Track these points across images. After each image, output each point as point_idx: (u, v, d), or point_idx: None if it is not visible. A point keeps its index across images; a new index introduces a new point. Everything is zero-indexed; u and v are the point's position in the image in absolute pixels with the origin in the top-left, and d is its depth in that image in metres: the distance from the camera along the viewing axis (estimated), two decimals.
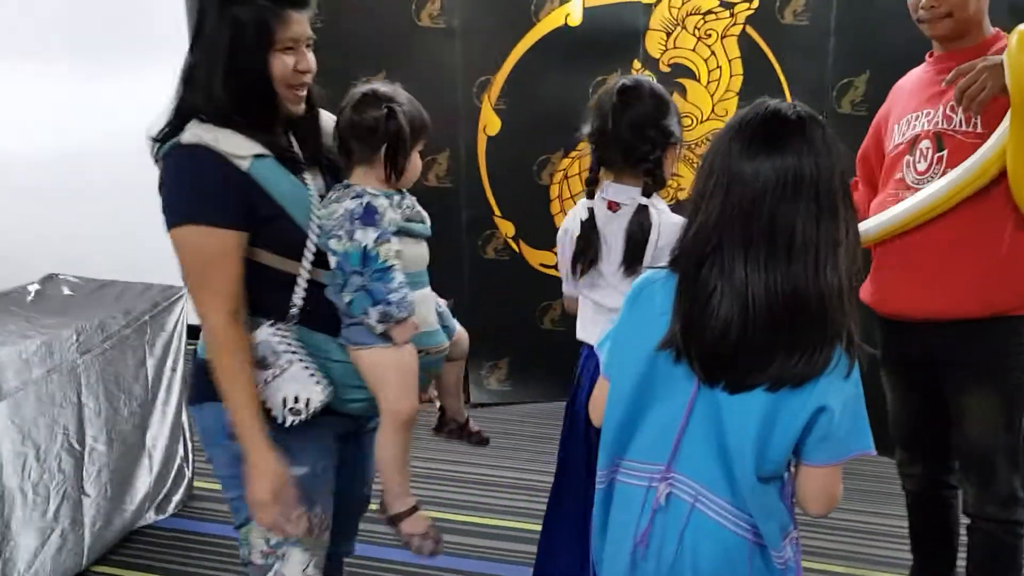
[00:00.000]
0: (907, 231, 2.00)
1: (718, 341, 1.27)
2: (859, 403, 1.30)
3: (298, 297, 1.56)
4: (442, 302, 1.78)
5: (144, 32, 4.37)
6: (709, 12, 3.52)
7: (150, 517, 2.87)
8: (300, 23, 1.54)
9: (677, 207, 1.94)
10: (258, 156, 1.52)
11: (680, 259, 1.34)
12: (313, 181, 1.61)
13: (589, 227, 1.91)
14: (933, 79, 2.01)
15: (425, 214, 1.69)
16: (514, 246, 3.93)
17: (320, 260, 1.57)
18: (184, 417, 3.00)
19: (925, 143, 1.99)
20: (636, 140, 1.86)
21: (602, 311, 1.93)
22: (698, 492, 1.32)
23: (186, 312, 2.98)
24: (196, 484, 3.09)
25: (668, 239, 1.72)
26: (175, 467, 2.98)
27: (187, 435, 3.04)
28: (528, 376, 4.03)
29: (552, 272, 3.89)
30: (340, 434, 1.71)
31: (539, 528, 2.16)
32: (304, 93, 1.58)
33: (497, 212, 3.92)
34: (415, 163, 1.65)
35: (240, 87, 1.52)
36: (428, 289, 1.70)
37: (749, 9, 3.47)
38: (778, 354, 1.25)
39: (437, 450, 3.07)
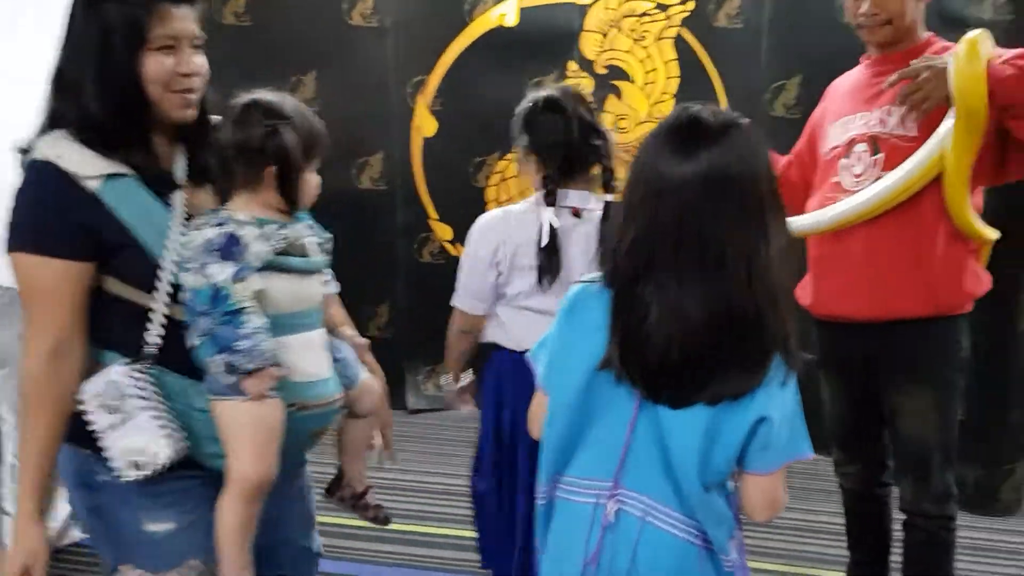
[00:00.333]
0: (843, 233, 2.01)
1: (658, 360, 1.24)
2: (797, 409, 1.29)
3: (154, 335, 1.38)
4: (347, 347, 1.59)
5: None
6: (644, 14, 3.53)
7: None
8: (182, 20, 1.38)
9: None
10: (112, 176, 1.35)
11: (613, 276, 1.30)
12: (191, 201, 1.43)
13: (554, 237, 1.91)
14: (869, 82, 2.03)
15: (316, 243, 1.49)
16: (451, 249, 3.89)
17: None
18: None
19: (861, 146, 2.01)
20: (587, 144, 1.93)
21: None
22: (648, 506, 1.30)
23: None
24: None
25: None
26: None
27: None
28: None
29: None
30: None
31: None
32: (192, 97, 1.41)
33: (433, 215, 3.87)
34: (309, 183, 1.46)
35: (110, 92, 1.36)
36: (316, 332, 1.49)
37: (684, 12, 3.50)
38: (718, 369, 1.24)
39: None
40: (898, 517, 2.21)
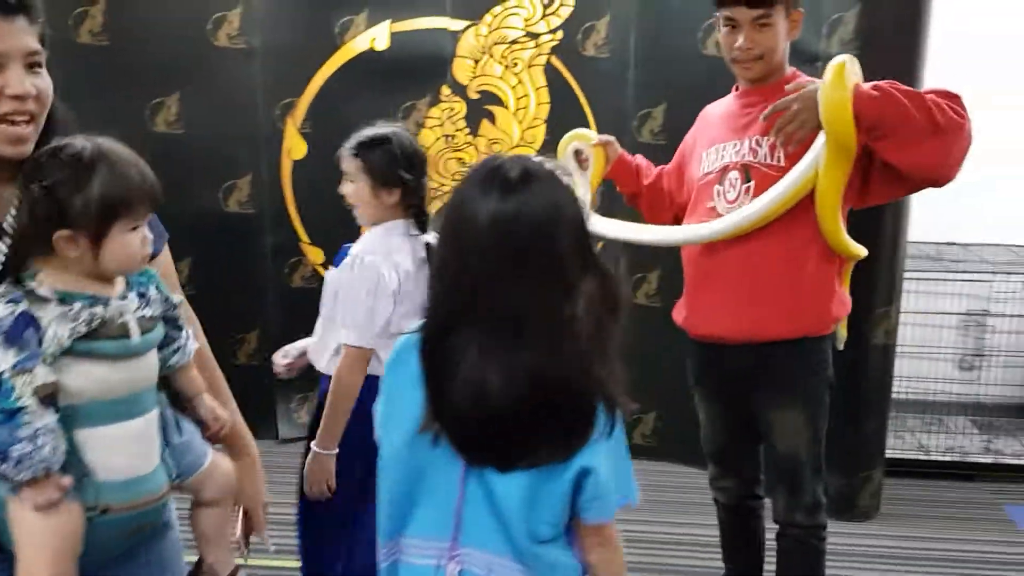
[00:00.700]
0: (717, 255, 2.09)
1: (473, 427, 1.20)
2: (623, 456, 1.26)
3: None
4: (191, 426, 1.37)
5: None
6: (515, 42, 3.58)
7: None
8: (10, 35, 1.17)
9: None
10: None
11: (424, 335, 1.25)
12: None
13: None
14: (739, 112, 2.13)
15: (149, 316, 1.27)
16: (323, 273, 3.81)
17: None
18: None
19: (734, 174, 2.09)
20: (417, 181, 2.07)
21: None
22: (490, 561, 1.26)
23: None
24: None
25: None
26: None
27: None
28: None
29: None
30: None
31: None
32: (22, 130, 1.19)
33: (304, 238, 3.80)
34: (126, 246, 1.22)
35: None
36: (139, 420, 1.25)
37: (553, 40, 3.57)
38: (531, 440, 1.20)
39: None
40: (770, 527, 2.31)
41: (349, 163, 2.08)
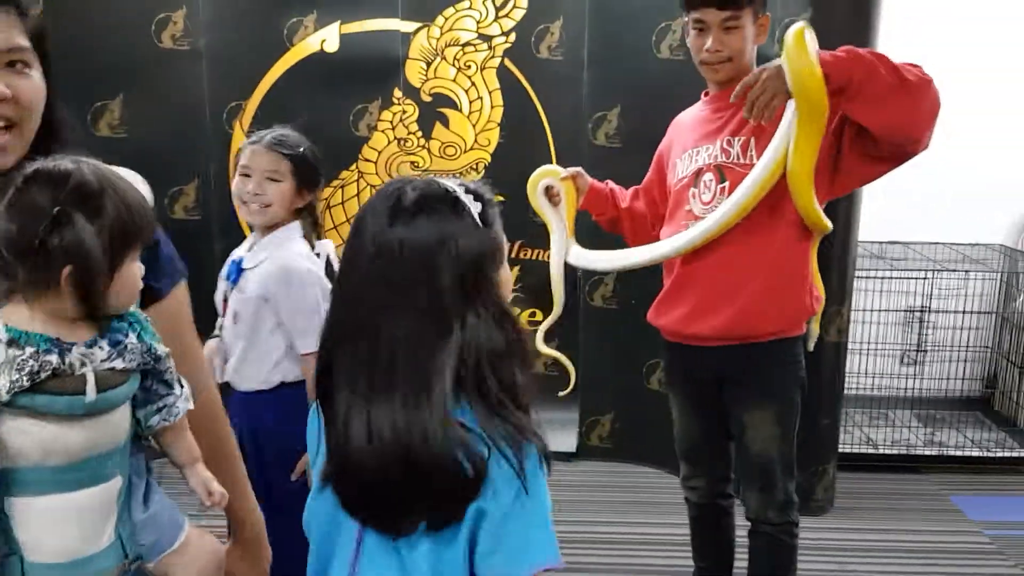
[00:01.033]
0: (694, 259, 2.11)
1: (361, 484, 1.06)
2: (536, 507, 1.05)
3: None
4: (163, 499, 1.18)
5: None
6: (468, 44, 3.56)
7: None
8: None
9: None
10: None
11: (317, 368, 1.13)
12: None
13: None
14: (710, 117, 2.14)
15: (121, 368, 1.08)
16: None
17: None
18: None
19: (708, 175, 2.11)
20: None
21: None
22: None
23: None
24: None
25: None
26: None
27: None
28: None
29: None
30: None
31: None
32: (1, 135, 1.08)
33: None
34: (127, 280, 1.08)
35: None
36: (87, 492, 1.05)
37: (507, 43, 3.56)
38: (419, 502, 1.04)
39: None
40: (741, 524, 2.34)
41: (276, 162, 2.09)
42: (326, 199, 3.69)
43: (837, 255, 3.10)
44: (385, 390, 1.04)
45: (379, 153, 3.66)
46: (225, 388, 2.08)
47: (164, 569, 1.16)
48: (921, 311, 4.06)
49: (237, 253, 2.17)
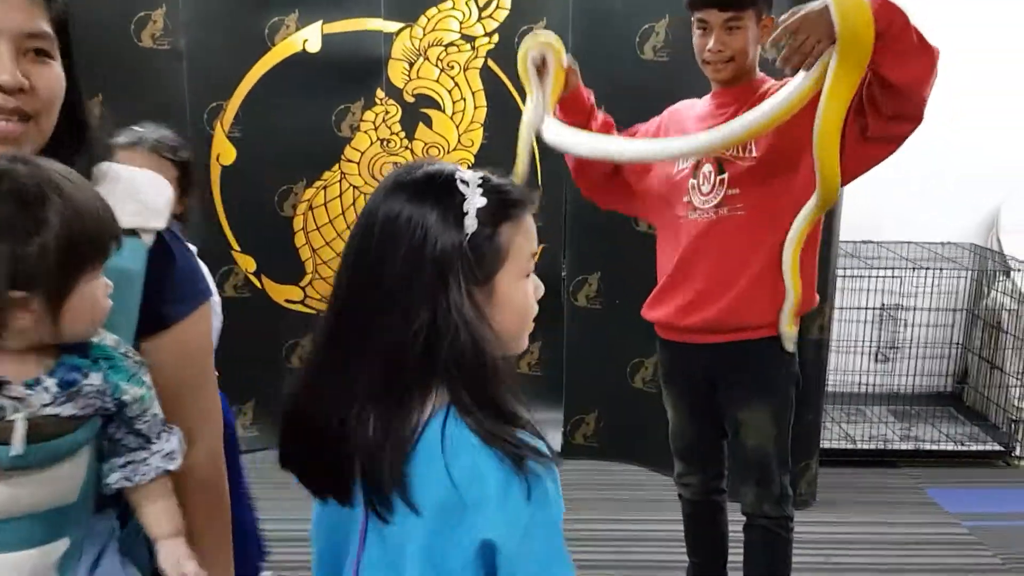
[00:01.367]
0: (684, 263, 2.15)
1: (299, 433, 1.10)
2: (549, 529, 1.01)
3: None
4: (121, 566, 1.01)
5: None
6: (451, 44, 3.57)
7: None
8: (6, 9, 0.96)
9: None
10: None
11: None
12: None
13: None
14: (714, 112, 2.16)
15: (64, 417, 0.91)
16: (256, 282, 3.72)
17: None
18: None
19: (707, 167, 2.14)
20: None
21: None
22: None
23: None
24: None
25: None
26: None
27: None
28: (278, 419, 3.80)
29: (300, 308, 3.73)
30: None
31: None
32: (16, 127, 0.97)
33: (235, 246, 3.69)
34: (86, 302, 0.92)
35: None
36: (24, 555, 0.91)
37: (490, 44, 3.57)
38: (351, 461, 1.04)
39: None
40: (735, 519, 2.37)
41: (161, 165, 2.07)
42: (308, 200, 3.67)
43: (820, 253, 3.14)
44: (341, 359, 1.03)
45: (362, 154, 3.65)
46: None
47: None
48: (894, 309, 4.14)
49: None
